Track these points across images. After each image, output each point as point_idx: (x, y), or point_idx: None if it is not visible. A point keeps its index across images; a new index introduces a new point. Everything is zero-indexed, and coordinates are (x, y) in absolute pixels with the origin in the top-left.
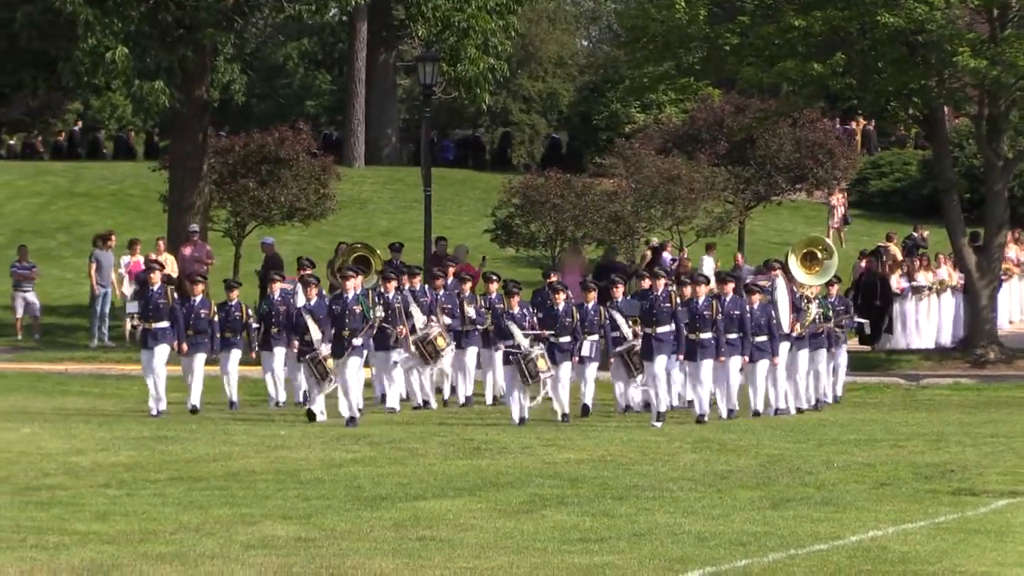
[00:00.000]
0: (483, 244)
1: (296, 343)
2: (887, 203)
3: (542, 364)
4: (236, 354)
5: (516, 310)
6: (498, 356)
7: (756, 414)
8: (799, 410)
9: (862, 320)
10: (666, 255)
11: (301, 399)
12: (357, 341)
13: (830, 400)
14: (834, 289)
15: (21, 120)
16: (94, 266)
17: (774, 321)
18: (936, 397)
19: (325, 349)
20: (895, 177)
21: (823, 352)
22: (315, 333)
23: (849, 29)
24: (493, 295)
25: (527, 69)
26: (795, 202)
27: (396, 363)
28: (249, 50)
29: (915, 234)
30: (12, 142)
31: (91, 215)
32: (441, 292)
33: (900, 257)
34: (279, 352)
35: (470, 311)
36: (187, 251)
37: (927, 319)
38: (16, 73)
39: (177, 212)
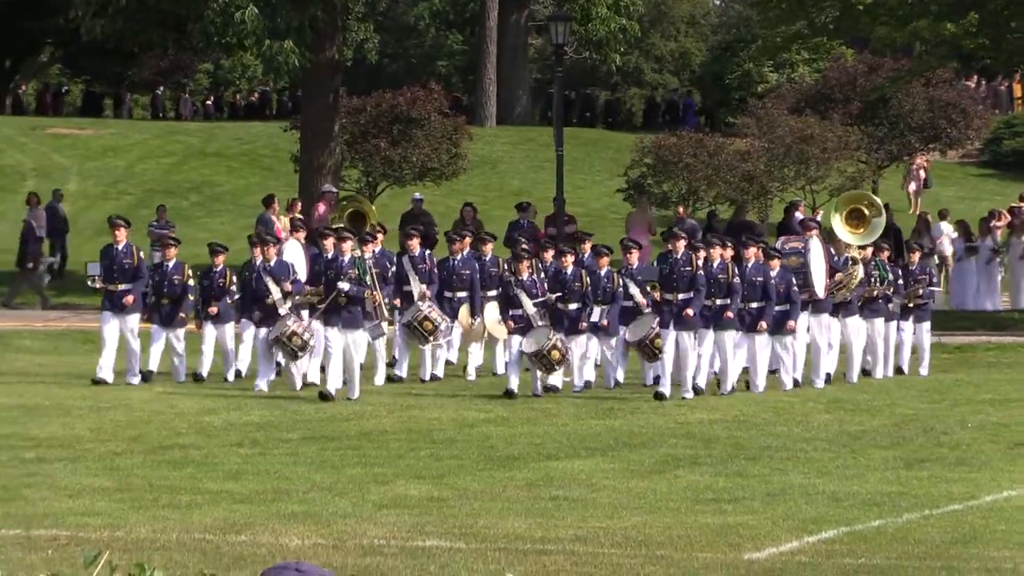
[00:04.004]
0: (615, 204)
1: (257, 312)
2: (1021, 163)
3: (556, 355)
4: (229, 327)
5: (525, 276)
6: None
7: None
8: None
9: (934, 288)
10: (798, 214)
11: (234, 377)
12: (344, 285)
13: (889, 374)
14: (915, 256)
15: (151, 80)
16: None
17: (794, 288)
18: None
19: (292, 322)
20: None
21: (879, 322)
22: (276, 293)
23: None
24: (548, 262)
25: (659, 28)
26: (928, 162)
27: (365, 332)
28: (380, 10)
29: None
30: (159, 92)
31: (223, 175)
32: (458, 258)
33: None
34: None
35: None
36: (322, 208)
37: None
38: (145, 33)
39: (308, 172)
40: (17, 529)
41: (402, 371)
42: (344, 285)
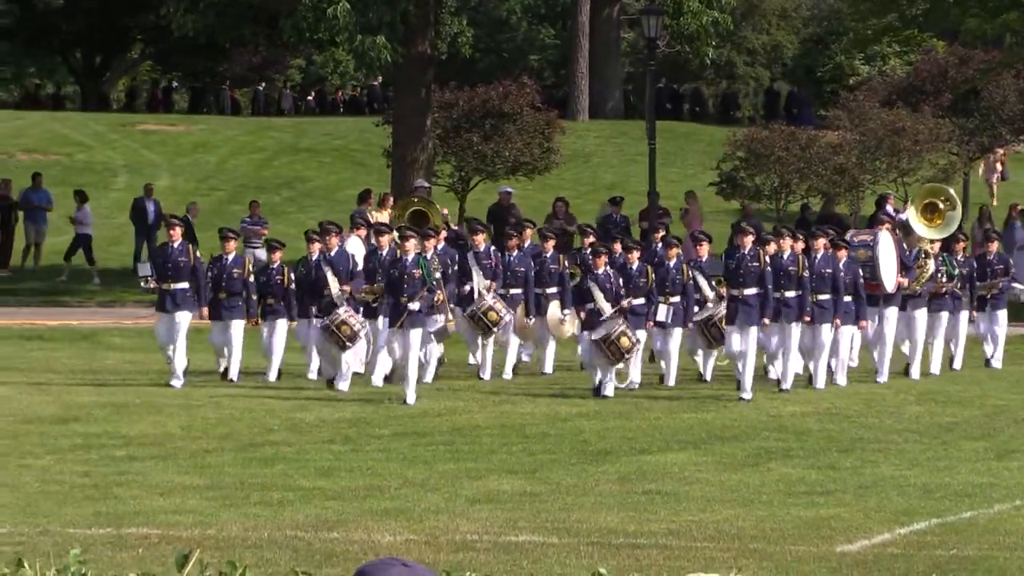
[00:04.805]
0: (708, 197)
1: (314, 307)
2: None
3: (625, 342)
4: (282, 324)
5: (601, 271)
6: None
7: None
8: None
9: (1018, 285)
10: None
11: (316, 375)
12: (414, 306)
13: (957, 367)
14: (993, 246)
15: (244, 76)
16: None
17: (861, 280)
18: None
19: (343, 311)
20: None
21: (943, 315)
22: (334, 288)
23: None
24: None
25: (751, 21)
26: (1020, 153)
27: (431, 333)
28: (473, 4)
29: None
30: (261, 88)
31: (314, 171)
32: (515, 254)
33: None
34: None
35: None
36: None
37: None
38: (237, 29)
39: (400, 167)
40: (108, 528)
41: (485, 374)
42: (414, 306)
